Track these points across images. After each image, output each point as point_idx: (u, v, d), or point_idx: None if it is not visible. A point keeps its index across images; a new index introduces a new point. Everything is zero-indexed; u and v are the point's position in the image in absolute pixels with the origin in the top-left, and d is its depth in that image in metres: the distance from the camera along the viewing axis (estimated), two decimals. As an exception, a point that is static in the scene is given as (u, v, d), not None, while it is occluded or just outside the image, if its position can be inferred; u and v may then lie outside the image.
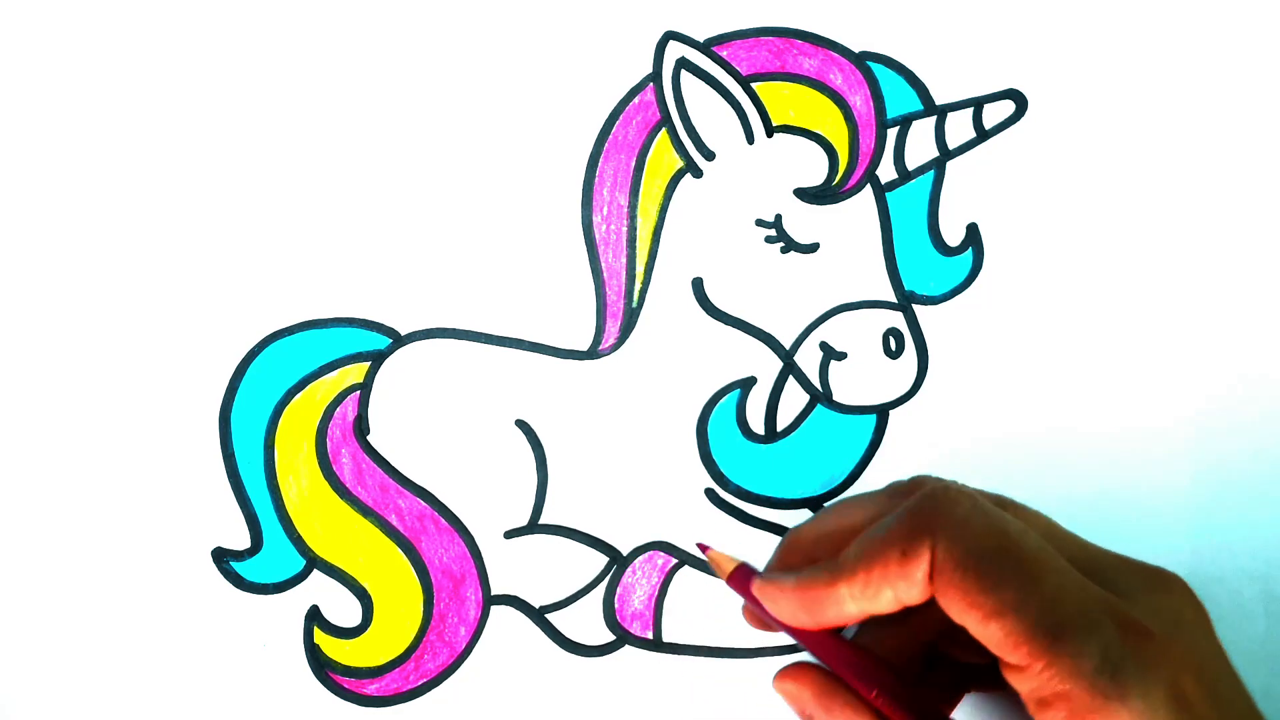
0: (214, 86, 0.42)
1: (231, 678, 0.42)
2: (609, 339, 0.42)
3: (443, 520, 0.42)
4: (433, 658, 0.42)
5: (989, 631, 0.25)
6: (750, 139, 0.42)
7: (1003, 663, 0.26)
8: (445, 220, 0.42)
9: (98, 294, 0.42)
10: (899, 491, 0.32)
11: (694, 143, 0.42)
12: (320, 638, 0.42)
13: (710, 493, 0.43)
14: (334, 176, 0.42)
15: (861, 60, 0.42)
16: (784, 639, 0.42)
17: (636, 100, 0.42)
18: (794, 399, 0.43)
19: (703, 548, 0.37)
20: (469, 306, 0.42)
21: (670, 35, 0.42)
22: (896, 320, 0.42)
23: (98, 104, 0.42)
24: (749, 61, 0.42)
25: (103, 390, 0.42)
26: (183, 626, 0.42)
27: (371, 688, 0.42)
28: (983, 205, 0.43)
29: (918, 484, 0.32)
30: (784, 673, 0.31)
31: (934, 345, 0.43)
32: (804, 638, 0.32)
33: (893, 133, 0.42)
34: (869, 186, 0.43)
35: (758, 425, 0.43)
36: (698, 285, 0.43)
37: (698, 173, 0.42)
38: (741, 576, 0.35)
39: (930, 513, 0.27)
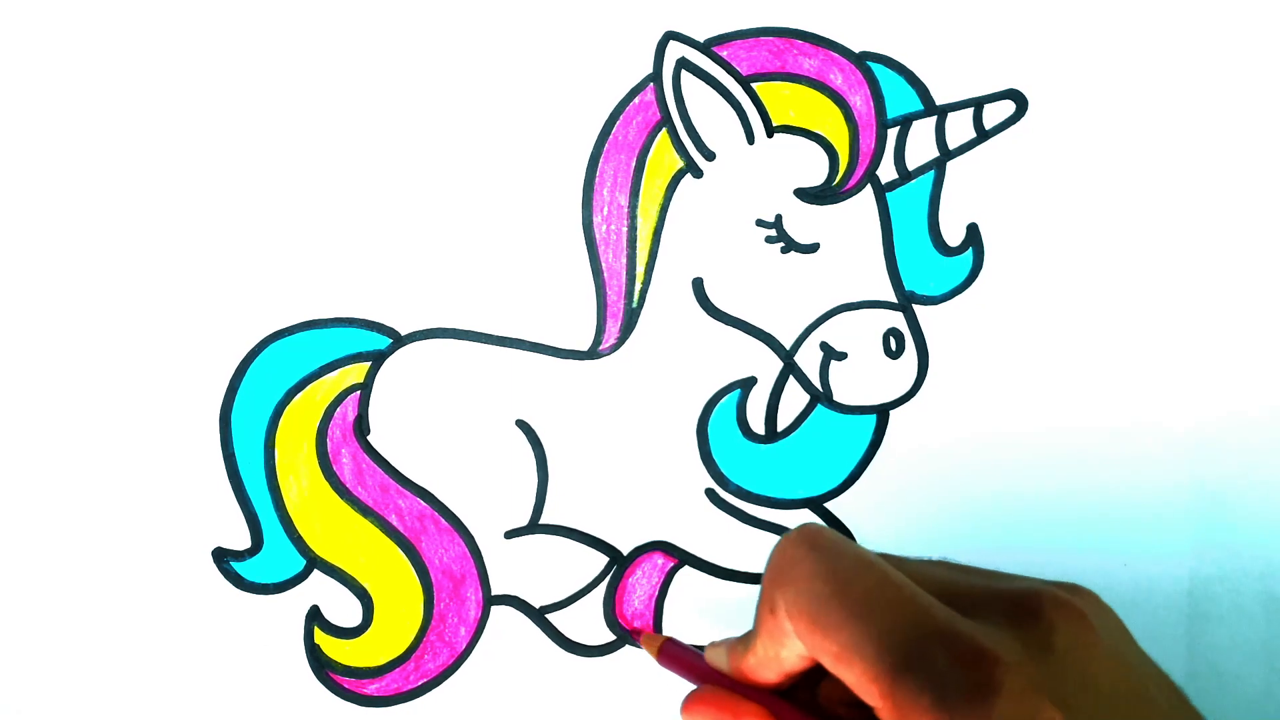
0: (214, 87, 0.42)
1: (231, 678, 0.42)
2: (609, 339, 0.42)
3: (443, 520, 0.42)
4: (433, 658, 0.42)
5: (842, 674, 0.25)
6: (750, 139, 0.42)
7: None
8: (445, 220, 0.42)
9: (98, 294, 0.42)
10: None
11: (694, 143, 0.42)
12: (320, 638, 0.42)
13: (710, 493, 0.43)
14: (334, 176, 0.42)
15: (861, 60, 0.42)
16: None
17: (636, 100, 0.42)
18: (794, 399, 0.43)
19: (635, 633, 0.41)
20: (469, 306, 0.42)
21: (670, 35, 0.42)
22: (896, 320, 0.42)
23: (98, 105, 0.42)
24: (749, 61, 0.42)
25: (103, 390, 0.42)
26: (183, 626, 0.42)
27: (372, 688, 0.42)
28: (983, 205, 0.43)
29: None
30: (689, 705, 0.31)
31: (934, 345, 0.43)
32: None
33: (893, 133, 0.42)
34: (869, 186, 0.43)
35: (758, 425, 0.43)
36: (698, 285, 0.43)
37: (698, 173, 0.42)
38: (673, 649, 0.36)
39: (773, 567, 0.28)
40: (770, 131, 0.42)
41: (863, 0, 0.42)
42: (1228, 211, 0.43)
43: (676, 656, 0.35)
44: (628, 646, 0.42)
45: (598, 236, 0.42)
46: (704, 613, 0.42)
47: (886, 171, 0.43)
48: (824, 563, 0.26)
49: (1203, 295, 0.43)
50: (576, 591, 0.42)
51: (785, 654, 0.28)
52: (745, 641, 0.29)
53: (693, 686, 0.32)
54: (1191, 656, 0.42)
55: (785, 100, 0.42)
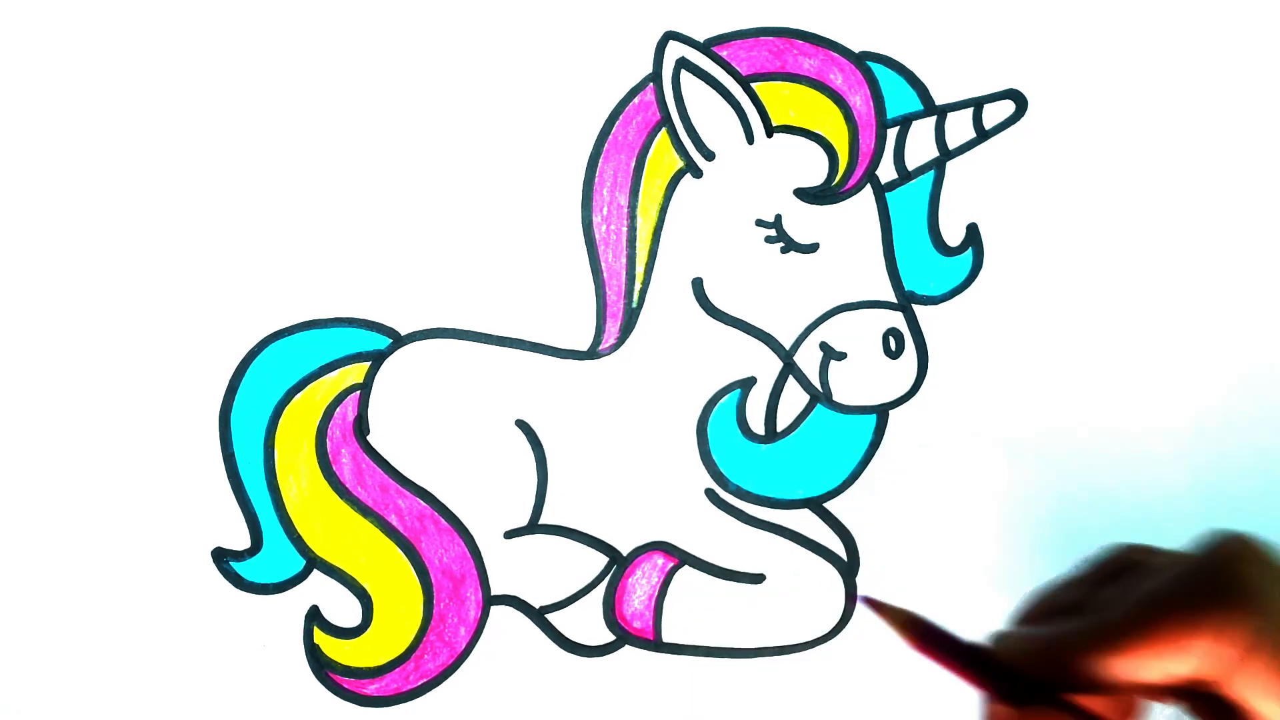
0: (215, 88, 0.42)
1: (231, 678, 0.42)
2: (609, 339, 0.42)
3: (443, 520, 0.42)
4: (433, 658, 0.42)
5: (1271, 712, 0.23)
6: (750, 139, 0.42)
7: None
8: (445, 220, 0.42)
9: (98, 294, 0.42)
10: (1108, 566, 0.28)
11: (694, 143, 0.42)
12: (320, 638, 0.42)
13: (710, 493, 0.43)
14: (334, 177, 0.42)
15: (861, 60, 0.42)
16: (783, 639, 0.42)
17: (636, 100, 0.42)
18: (794, 399, 0.43)
19: (873, 605, 0.28)
20: (469, 306, 0.42)
21: (670, 35, 0.42)
22: (896, 320, 0.42)
23: (98, 105, 0.42)
24: (749, 61, 0.42)
25: (103, 390, 0.42)
26: (183, 626, 0.42)
27: (371, 688, 0.42)
28: (983, 205, 0.43)
29: (1136, 554, 0.28)
30: None
31: (934, 345, 0.43)
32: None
33: (893, 133, 0.42)
34: (869, 186, 0.43)
35: (758, 425, 0.43)
36: (698, 285, 0.43)
37: (698, 173, 0.42)
38: (920, 630, 0.28)
39: (1231, 584, 0.24)
40: (770, 131, 0.42)
41: (863, 0, 0.42)
42: (1227, 211, 0.43)
43: (940, 644, 0.27)
44: (628, 646, 0.42)
45: (598, 236, 0.42)
46: (704, 613, 0.42)
47: (886, 171, 0.43)
48: None
49: (1203, 295, 0.43)
50: (576, 591, 0.42)
51: (1153, 667, 0.24)
52: (1101, 637, 0.25)
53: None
54: (1191, 656, 0.42)
55: (785, 100, 0.42)
